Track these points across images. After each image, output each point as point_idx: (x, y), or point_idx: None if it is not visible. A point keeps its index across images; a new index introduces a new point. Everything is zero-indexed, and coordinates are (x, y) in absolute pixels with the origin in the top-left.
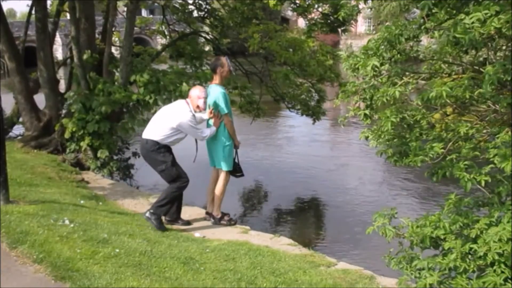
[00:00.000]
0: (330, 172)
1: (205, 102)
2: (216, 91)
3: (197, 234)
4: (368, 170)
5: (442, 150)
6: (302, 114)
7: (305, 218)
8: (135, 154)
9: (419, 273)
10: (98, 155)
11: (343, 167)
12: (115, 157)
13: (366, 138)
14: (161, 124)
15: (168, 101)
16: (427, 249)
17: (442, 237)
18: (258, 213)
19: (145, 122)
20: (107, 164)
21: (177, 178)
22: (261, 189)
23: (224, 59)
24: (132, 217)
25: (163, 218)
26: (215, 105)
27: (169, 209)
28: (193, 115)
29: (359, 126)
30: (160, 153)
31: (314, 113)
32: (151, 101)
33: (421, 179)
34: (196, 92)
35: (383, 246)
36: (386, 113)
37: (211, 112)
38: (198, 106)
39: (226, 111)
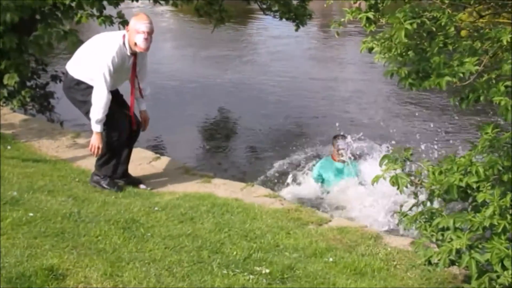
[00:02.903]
0: (320, 98)
1: (146, 40)
2: None
3: (142, 186)
4: (372, 94)
5: (477, 68)
6: (281, 18)
7: (288, 160)
8: (55, 78)
9: (442, 235)
10: (5, 81)
11: (338, 91)
12: (28, 84)
13: (370, 50)
14: (82, 55)
15: (97, 5)
16: (453, 203)
17: (474, 186)
18: (225, 154)
19: (66, 35)
20: (18, 93)
21: (109, 126)
22: (229, 122)
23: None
24: (53, 165)
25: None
26: None
27: (116, 165)
28: (118, 58)
29: (359, 35)
30: (79, 90)
31: (297, 16)
32: (73, 3)
33: (442, 105)
34: (134, 23)
35: (391, 198)
36: (398, 17)
37: None
38: (135, 44)
39: None
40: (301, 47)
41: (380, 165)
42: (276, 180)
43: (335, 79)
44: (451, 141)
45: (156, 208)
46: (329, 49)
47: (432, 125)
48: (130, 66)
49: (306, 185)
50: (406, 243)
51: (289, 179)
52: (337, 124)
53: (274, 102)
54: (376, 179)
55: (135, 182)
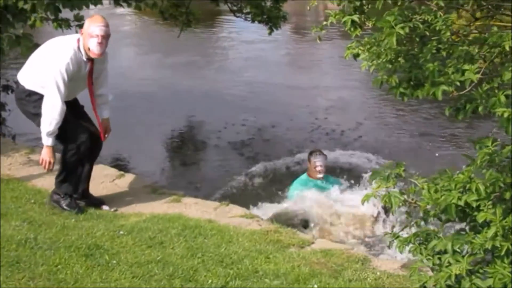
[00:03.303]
0: (299, 108)
1: (101, 45)
2: None
3: (105, 207)
4: (355, 103)
5: (477, 76)
6: (253, 21)
7: (264, 175)
8: (6, 88)
9: (440, 258)
10: None
11: (317, 100)
12: None
13: (356, 57)
14: (33, 63)
15: (52, 10)
16: (448, 223)
17: (473, 205)
18: (195, 170)
19: (19, 40)
20: None
21: (66, 139)
22: (199, 134)
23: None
24: (6, 185)
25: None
26: None
27: (77, 182)
28: (72, 64)
29: (341, 38)
30: (31, 102)
31: (270, 18)
32: (26, 6)
33: (432, 114)
34: (88, 26)
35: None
36: (388, 20)
37: None
38: (89, 49)
39: None
40: (277, 53)
41: (370, 182)
42: (252, 198)
43: (316, 87)
44: (442, 153)
45: (121, 232)
46: (307, 54)
47: (422, 136)
48: (87, 73)
49: (285, 203)
50: (397, 267)
51: (267, 197)
52: (316, 136)
53: (247, 112)
54: (366, 198)
55: (97, 202)
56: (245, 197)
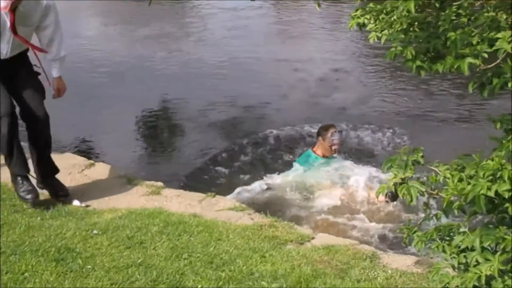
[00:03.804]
0: (289, 83)
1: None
2: None
3: (75, 202)
4: (357, 76)
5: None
6: None
7: (252, 161)
8: None
9: (465, 257)
10: None
11: (311, 74)
12: None
13: (361, 26)
14: None
15: None
16: (474, 216)
17: (506, 195)
18: (174, 156)
19: None
20: None
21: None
22: (176, 115)
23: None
24: None
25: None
26: None
27: (15, 160)
28: None
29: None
30: None
31: None
32: None
33: (446, 88)
34: None
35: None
36: None
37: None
38: None
39: None
40: (264, 21)
41: (384, 170)
42: (241, 187)
43: (310, 60)
44: (454, 133)
45: (94, 231)
46: (299, 22)
47: (437, 114)
48: (9, 24)
49: (278, 191)
50: (410, 263)
51: (257, 185)
52: (313, 114)
53: (232, 90)
54: (382, 190)
55: (62, 193)
56: (233, 186)
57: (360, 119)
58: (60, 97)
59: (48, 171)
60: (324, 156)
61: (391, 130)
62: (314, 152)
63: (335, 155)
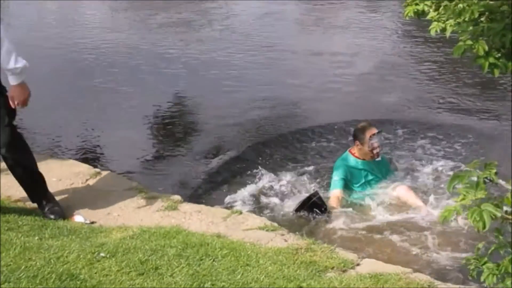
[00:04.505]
0: (326, 79)
1: None
2: None
3: (78, 218)
4: (413, 72)
5: None
6: None
7: (284, 171)
8: None
9: None
10: None
11: (350, 69)
12: None
13: (419, 15)
14: None
15: None
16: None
17: None
18: (192, 165)
19: None
20: None
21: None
22: (192, 116)
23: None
24: None
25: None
26: None
27: (45, 188)
28: None
29: None
30: None
31: None
32: None
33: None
34: None
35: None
36: None
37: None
38: None
39: None
40: (302, 8)
41: (449, 189)
42: (272, 203)
43: (356, 54)
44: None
45: (101, 254)
46: (343, 11)
47: (495, 119)
48: None
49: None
50: None
51: (290, 201)
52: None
53: (261, 86)
54: (448, 214)
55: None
56: (263, 200)
57: (413, 123)
58: (23, 107)
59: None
60: (361, 159)
61: (452, 135)
62: (353, 154)
63: (378, 158)
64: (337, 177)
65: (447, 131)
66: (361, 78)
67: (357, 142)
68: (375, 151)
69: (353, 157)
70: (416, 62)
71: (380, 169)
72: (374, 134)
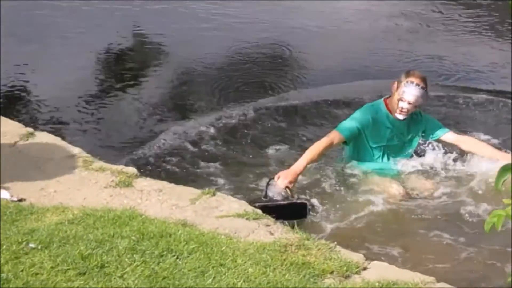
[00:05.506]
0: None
1: None
2: None
3: (3, 194)
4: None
5: None
6: None
7: (275, 144)
8: None
9: None
10: None
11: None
12: None
13: None
14: None
15: None
16: None
17: None
18: (156, 126)
19: None
20: None
21: None
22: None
23: (405, 82)
24: None
25: None
26: None
27: None
28: None
29: None
30: None
31: None
32: None
33: None
34: None
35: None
36: None
37: None
38: None
39: None
40: None
41: (498, 185)
42: (254, 182)
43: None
44: None
45: (31, 245)
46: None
47: None
48: None
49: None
50: None
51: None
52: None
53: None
54: (497, 221)
55: None
56: (243, 179)
57: None
58: None
59: None
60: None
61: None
62: (386, 105)
63: (400, 117)
64: (351, 122)
65: None
66: None
67: (395, 86)
68: (400, 105)
69: (385, 108)
70: None
71: (411, 139)
72: (412, 82)
